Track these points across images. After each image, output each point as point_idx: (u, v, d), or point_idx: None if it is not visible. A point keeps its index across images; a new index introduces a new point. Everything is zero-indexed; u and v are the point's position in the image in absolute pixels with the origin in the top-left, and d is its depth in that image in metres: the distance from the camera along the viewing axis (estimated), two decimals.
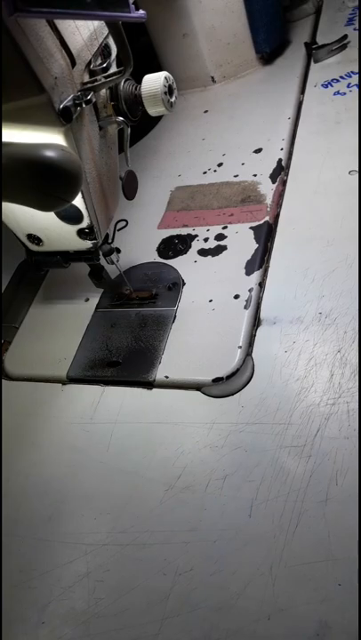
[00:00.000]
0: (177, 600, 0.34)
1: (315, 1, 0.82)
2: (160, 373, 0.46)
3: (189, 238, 0.58)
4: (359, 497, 0.33)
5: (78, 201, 0.43)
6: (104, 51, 0.42)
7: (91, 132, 0.42)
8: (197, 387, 0.45)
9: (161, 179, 0.68)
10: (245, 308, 0.48)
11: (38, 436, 0.47)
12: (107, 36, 0.42)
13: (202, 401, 0.44)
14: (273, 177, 0.60)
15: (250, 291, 0.50)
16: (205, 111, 0.76)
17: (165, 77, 0.45)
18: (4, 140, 0.30)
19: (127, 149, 0.46)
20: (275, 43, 0.76)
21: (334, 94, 0.65)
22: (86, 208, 0.44)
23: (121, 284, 0.54)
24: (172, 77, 0.46)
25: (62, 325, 0.56)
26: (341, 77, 0.66)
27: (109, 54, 0.43)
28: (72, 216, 0.44)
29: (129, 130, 0.44)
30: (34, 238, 0.48)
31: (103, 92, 0.43)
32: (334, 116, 0.62)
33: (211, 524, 0.37)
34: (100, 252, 0.50)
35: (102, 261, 0.52)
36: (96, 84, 0.39)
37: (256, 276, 0.51)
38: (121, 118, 0.43)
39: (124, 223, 0.52)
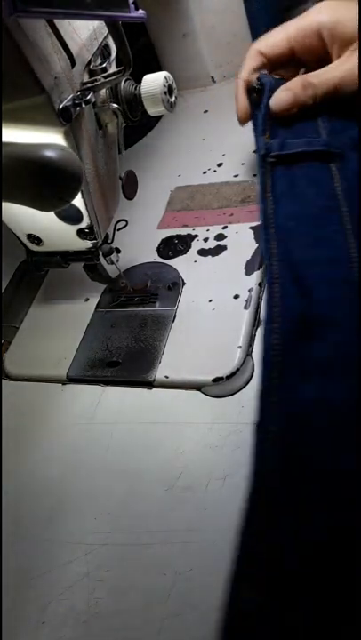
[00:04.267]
0: (177, 600, 0.34)
1: (314, 1, 0.82)
2: (160, 373, 0.46)
3: (189, 238, 0.58)
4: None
5: (78, 201, 0.43)
6: (104, 51, 0.43)
7: (91, 132, 0.42)
8: (197, 387, 0.45)
9: (161, 179, 0.68)
10: (245, 308, 0.48)
11: (38, 436, 0.47)
12: (106, 36, 0.42)
13: (202, 401, 0.44)
14: None
15: (250, 291, 0.50)
16: (205, 111, 0.76)
17: (165, 77, 0.45)
18: (4, 140, 0.30)
19: (120, 137, 0.46)
20: None
21: None
22: (86, 208, 0.44)
23: (116, 279, 0.55)
24: (171, 77, 0.46)
25: (62, 325, 0.56)
26: None
27: (109, 54, 0.43)
28: (72, 216, 0.44)
29: (121, 118, 0.44)
30: (34, 238, 0.48)
31: (103, 91, 0.43)
32: None
33: (211, 524, 0.37)
34: (100, 252, 0.50)
35: (102, 261, 0.52)
36: (96, 84, 0.39)
37: (256, 276, 0.51)
38: (115, 105, 0.43)
39: (123, 223, 0.52)
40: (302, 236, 0.39)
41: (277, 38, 0.48)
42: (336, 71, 0.43)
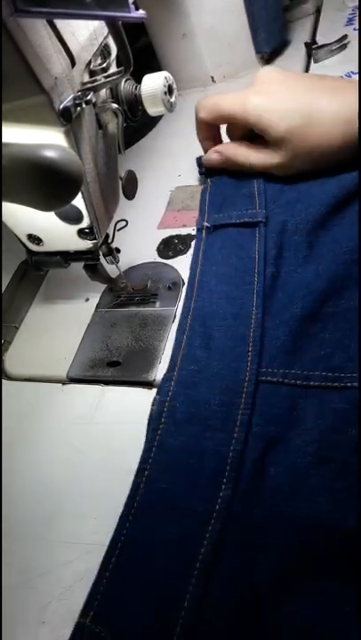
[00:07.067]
0: None
1: (315, 1, 0.82)
2: (160, 373, 0.46)
3: (189, 238, 0.58)
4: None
5: (78, 201, 0.43)
6: (104, 51, 0.43)
7: (91, 132, 0.42)
8: None
9: (161, 179, 0.68)
10: None
11: (38, 435, 0.47)
12: (106, 36, 0.42)
13: None
14: None
15: None
16: None
17: (165, 77, 0.45)
18: (4, 140, 0.30)
19: (121, 137, 0.46)
20: (275, 43, 0.76)
21: None
22: (86, 208, 0.44)
23: (117, 279, 0.55)
24: (171, 77, 0.46)
25: (62, 325, 0.56)
26: (341, 78, 0.66)
27: (109, 54, 0.43)
28: (72, 216, 0.44)
29: (122, 117, 0.44)
30: (34, 238, 0.48)
31: (103, 91, 0.43)
32: None
33: None
34: (100, 252, 0.50)
35: (102, 261, 0.52)
36: (96, 84, 0.39)
37: None
38: (115, 105, 0.43)
39: (124, 223, 0.52)
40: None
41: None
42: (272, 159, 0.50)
